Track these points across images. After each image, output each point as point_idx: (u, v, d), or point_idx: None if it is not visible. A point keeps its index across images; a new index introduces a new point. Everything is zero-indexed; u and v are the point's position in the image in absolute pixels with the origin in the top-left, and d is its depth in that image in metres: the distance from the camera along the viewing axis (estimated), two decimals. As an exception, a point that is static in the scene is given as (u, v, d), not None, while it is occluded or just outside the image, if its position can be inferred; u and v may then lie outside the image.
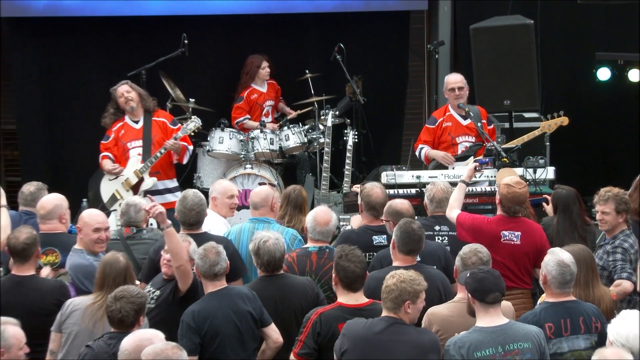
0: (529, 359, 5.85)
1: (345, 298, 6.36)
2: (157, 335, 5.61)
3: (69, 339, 6.48)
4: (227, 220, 8.09)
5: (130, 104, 9.96)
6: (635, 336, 5.52)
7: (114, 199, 10.00)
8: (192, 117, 10.24)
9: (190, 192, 7.48)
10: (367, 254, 7.26)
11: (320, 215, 7.29)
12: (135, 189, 9.87)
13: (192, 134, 10.12)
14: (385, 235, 7.52)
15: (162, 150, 9.90)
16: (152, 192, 9.69)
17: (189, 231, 7.25)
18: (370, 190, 7.75)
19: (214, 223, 7.76)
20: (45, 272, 7.19)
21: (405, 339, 5.91)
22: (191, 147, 10.29)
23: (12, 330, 5.67)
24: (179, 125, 10.16)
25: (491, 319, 5.90)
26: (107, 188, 10.10)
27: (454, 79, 10.00)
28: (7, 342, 5.63)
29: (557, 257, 6.30)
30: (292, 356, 6.36)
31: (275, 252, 6.71)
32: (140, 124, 10.04)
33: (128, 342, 5.56)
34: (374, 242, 7.58)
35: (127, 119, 10.07)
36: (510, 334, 5.86)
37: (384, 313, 6.01)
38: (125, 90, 9.97)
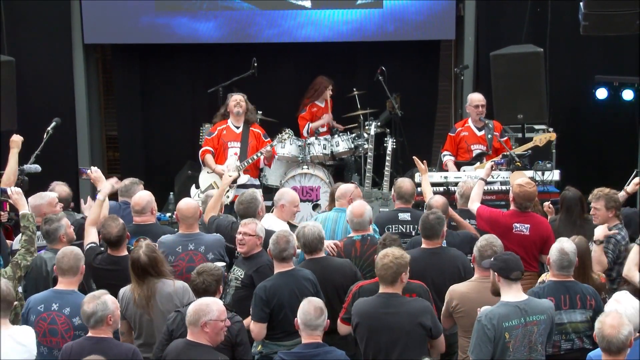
0: (543, 329, 5.83)
1: None
2: (215, 302, 5.67)
3: (135, 325, 6.40)
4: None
5: (237, 108, 9.93)
6: (631, 315, 5.47)
7: (210, 188, 9.79)
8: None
9: (248, 191, 7.54)
10: (394, 225, 7.67)
11: (355, 208, 7.24)
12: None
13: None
14: (409, 213, 7.70)
15: (259, 154, 9.84)
16: (241, 187, 9.54)
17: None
18: (401, 183, 7.91)
19: (276, 226, 7.47)
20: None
21: (402, 310, 5.94)
22: (277, 156, 10.40)
23: (109, 298, 5.76)
24: (269, 139, 10.11)
25: (514, 294, 5.85)
26: (205, 179, 10.00)
27: (477, 98, 9.97)
28: (111, 308, 5.71)
29: (560, 246, 6.25)
30: (338, 320, 6.37)
31: (309, 236, 6.65)
32: (240, 129, 9.97)
33: (191, 307, 5.63)
34: (399, 218, 7.72)
35: (229, 122, 10.03)
36: (530, 307, 5.83)
37: (381, 289, 6.01)
38: (239, 99, 9.96)
